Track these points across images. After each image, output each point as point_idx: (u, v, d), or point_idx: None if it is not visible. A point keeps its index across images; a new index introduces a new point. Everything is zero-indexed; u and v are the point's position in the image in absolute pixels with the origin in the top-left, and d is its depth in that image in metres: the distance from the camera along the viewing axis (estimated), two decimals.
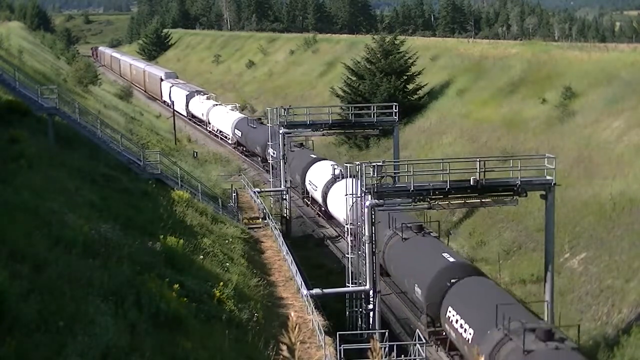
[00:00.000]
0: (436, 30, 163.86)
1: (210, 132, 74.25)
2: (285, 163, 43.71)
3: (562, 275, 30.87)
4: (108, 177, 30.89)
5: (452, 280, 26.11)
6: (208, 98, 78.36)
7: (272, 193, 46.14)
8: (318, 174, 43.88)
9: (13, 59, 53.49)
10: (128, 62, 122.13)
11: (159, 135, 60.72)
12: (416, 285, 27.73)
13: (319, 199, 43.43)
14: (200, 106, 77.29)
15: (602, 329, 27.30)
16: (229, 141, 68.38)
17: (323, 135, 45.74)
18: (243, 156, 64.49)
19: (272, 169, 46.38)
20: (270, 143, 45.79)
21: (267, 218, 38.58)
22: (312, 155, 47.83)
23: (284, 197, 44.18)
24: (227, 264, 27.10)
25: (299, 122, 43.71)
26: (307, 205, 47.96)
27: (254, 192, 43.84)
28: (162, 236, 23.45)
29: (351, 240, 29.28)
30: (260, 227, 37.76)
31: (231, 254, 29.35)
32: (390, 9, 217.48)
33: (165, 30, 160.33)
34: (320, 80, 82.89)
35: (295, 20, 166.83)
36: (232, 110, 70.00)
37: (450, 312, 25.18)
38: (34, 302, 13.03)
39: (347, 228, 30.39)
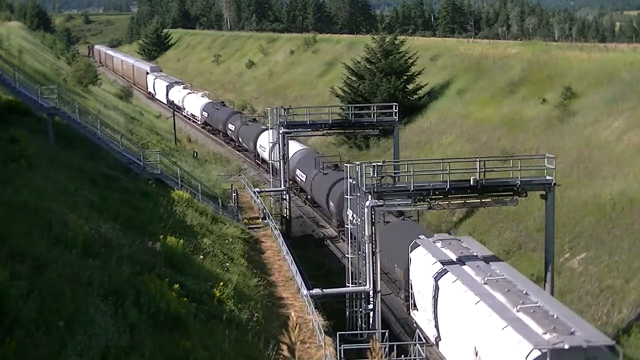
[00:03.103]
0: (436, 30, 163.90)
1: (185, 116, 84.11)
2: (285, 163, 43.70)
3: (562, 275, 30.87)
4: (108, 177, 30.88)
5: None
6: (184, 88, 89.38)
7: (272, 193, 46.16)
8: (266, 139, 53.05)
9: (13, 59, 53.48)
10: (120, 58, 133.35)
11: (159, 135, 60.70)
12: (330, 201, 40.60)
13: (267, 157, 53.33)
14: (177, 94, 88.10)
15: (602, 329, 27.27)
16: (199, 122, 79.52)
17: (323, 135, 45.77)
18: (210, 134, 75.72)
19: (272, 168, 46.90)
20: (230, 120, 66.46)
21: (267, 218, 38.58)
22: (262, 127, 57.85)
23: (284, 197, 44.17)
24: (227, 264, 27.10)
25: (299, 122, 43.66)
26: (259, 166, 59.49)
27: (254, 192, 43.86)
28: (162, 236, 23.43)
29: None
30: (260, 227, 37.76)
31: (231, 254, 29.35)
32: (390, 9, 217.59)
33: (165, 30, 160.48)
34: (320, 80, 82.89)
35: (295, 20, 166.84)
36: (202, 97, 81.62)
37: (349, 212, 34.16)
38: (34, 302, 13.02)
39: (348, 228, 30.44)
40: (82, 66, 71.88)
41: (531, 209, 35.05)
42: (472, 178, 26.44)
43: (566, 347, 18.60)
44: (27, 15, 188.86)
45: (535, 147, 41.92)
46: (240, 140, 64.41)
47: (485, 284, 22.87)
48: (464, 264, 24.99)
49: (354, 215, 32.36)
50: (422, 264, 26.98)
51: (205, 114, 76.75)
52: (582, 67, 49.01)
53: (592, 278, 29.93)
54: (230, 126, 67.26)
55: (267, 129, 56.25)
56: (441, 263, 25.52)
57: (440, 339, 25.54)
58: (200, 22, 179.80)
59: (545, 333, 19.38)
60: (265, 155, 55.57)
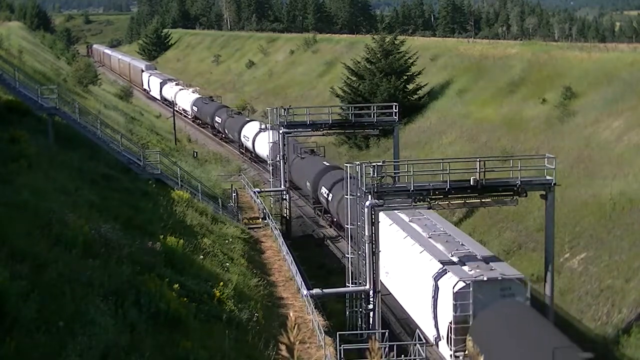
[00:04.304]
0: (436, 30, 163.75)
1: (177, 111, 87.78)
2: (285, 163, 43.71)
3: (562, 275, 30.87)
4: (108, 177, 30.87)
5: (323, 175, 42.94)
6: (177, 84, 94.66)
7: (272, 193, 46.16)
8: (249, 129, 61.39)
9: (13, 59, 53.48)
10: (117, 57, 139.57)
11: (159, 135, 60.72)
12: (307, 181, 44.96)
13: (250, 146, 61.02)
14: (170, 91, 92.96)
15: (602, 329, 27.31)
16: (189, 117, 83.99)
17: (323, 135, 45.74)
18: (200, 127, 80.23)
19: (272, 167, 46.95)
20: (217, 113, 72.05)
21: (267, 218, 38.58)
22: (246, 119, 65.68)
23: (284, 197, 44.19)
24: (227, 264, 27.10)
25: (299, 122, 43.65)
26: (242, 154, 64.98)
27: (254, 192, 43.86)
28: (162, 236, 23.43)
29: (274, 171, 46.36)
30: (260, 227, 37.76)
31: (231, 254, 29.35)
32: (390, 9, 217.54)
33: (165, 30, 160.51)
34: (320, 80, 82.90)
35: (295, 20, 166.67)
36: (193, 92, 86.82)
37: (322, 189, 41.89)
38: (34, 302, 13.02)
39: (348, 229, 30.44)
40: (82, 66, 71.91)
41: (531, 209, 35.06)
42: (472, 178, 26.43)
43: (485, 279, 23.71)
44: (27, 15, 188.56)
45: (535, 147, 41.93)
46: (227, 131, 68.69)
47: (430, 237, 28.15)
48: (415, 224, 29.89)
49: (328, 192, 40.33)
50: (381, 226, 30.29)
51: (195, 109, 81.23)
52: (582, 67, 49.03)
53: (592, 278, 29.94)
54: (217, 119, 71.82)
55: (250, 120, 63.88)
56: (396, 224, 30.28)
57: (392, 281, 30.37)
58: (200, 22, 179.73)
59: (470, 270, 24.50)
60: (249, 144, 61.39)
